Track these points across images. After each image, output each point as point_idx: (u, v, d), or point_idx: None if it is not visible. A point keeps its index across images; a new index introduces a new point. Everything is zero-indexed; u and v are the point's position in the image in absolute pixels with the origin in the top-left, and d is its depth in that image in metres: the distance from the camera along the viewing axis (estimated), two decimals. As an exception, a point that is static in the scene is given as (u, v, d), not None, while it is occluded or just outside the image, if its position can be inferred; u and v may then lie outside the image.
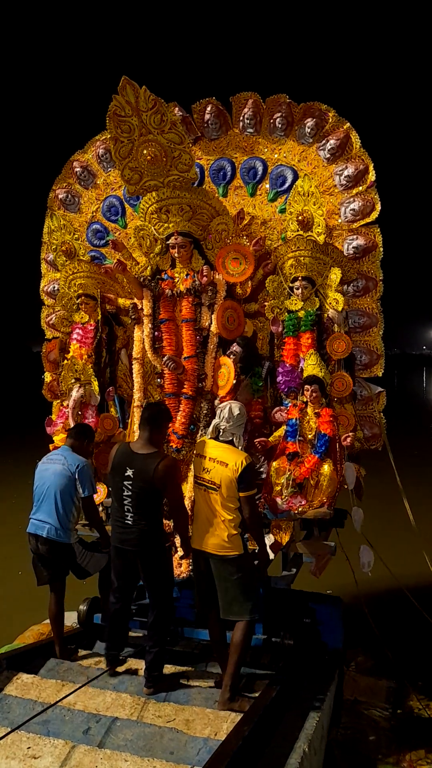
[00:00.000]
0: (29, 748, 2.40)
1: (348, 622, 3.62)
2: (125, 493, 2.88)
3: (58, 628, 3.42)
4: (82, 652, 3.46)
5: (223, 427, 2.91)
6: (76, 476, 3.27)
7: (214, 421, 2.97)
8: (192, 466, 3.02)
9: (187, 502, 3.39)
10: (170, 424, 3.38)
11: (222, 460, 2.82)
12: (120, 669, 3.13)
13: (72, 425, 3.79)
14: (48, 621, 4.34)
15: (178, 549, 3.20)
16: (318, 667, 3.29)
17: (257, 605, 2.90)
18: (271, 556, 3.30)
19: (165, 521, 3.14)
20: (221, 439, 2.91)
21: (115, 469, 2.95)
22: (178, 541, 3.16)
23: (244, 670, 3.15)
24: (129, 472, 2.87)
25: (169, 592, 3.07)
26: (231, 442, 2.91)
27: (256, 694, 2.85)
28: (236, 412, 2.91)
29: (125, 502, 2.88)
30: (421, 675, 3.97)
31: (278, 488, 3.23)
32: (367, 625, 3.85)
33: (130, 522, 2.89)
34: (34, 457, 3.64)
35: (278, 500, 3.22)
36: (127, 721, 2.60)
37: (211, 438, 2.96)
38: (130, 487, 2.86)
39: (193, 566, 2.94)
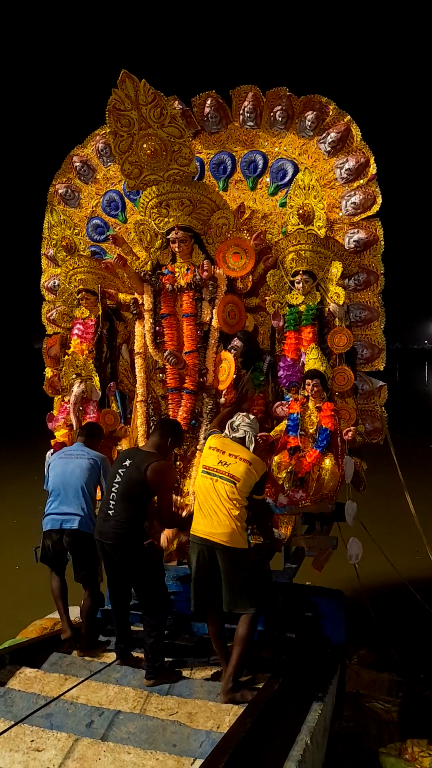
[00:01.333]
0: (33, 741, 2.41)
1: (350, 616, 3.63)
2: (116, 480, 2.99)
3: (64, 606, 3.48)
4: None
5: (237, 423, 3.02)
6: (101, 469, 3.40)
7: (230, 420, 3.08)
8: (201, 459, 3.03)
9: (190, 499, 3.40)
10: (178, 448, 3.43)
11: (244, 457, 2.91)
12: (122, 662, 3.15)
13: (73, 421, 3.81)
14: (50, 616, 4.40)
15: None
16: (320, 661, 3.30)
17: (261, 598, 2.93)
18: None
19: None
20: (235, 435, 3.01)
21: (117, 460, 3.13)
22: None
23: (247, 664, 3.18)
24: (127, 462, 3.03)
25: (157, 587, 3.05)
26: (243, 441, 3.00)
27: (259, 687, 2.86)
28: (252, 416, 3.11)
29: (113, 489, 2.98)
30: (423, 668, 3.99)
31: (280, 482, 3.24)
32: (369, 619, 3.86)
33: (111, 512, 2.95)
34: (34, 453, 3.65)
35: (280, 494, 3.23)
36: (130, 714, 2.61)
37: (224, 435, 3.03)
38: (122, 474, 2.99)
39: (194, 558, 2.93)
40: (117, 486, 2.98)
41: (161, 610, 3.07)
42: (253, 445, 3.02)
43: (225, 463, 2.89)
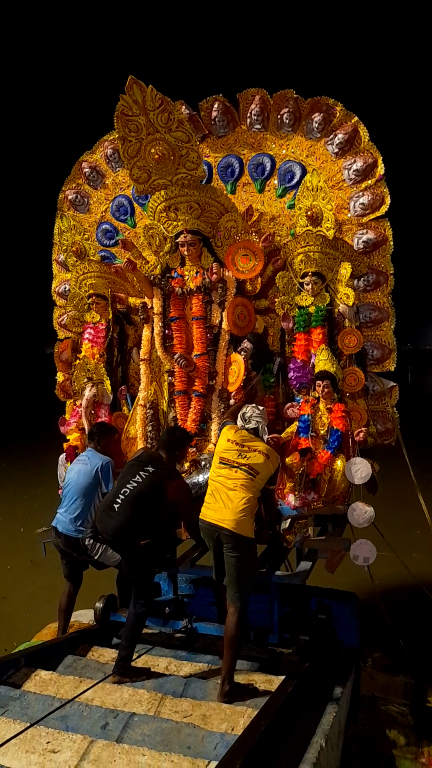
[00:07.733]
0: (48, 742, 2.43)
1: (364, 619, 3.61)
2: (135, 479, 2.99)
3: (65, 621, 3.59)
4: (99, 650, 3.49)
5: (249, 414, 3.08)
6: (100, 475, 3.46)
7: (241, 410, 3.12)
8: (218, 449, 3.04)
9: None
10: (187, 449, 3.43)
11: (262, 451, 2.97)
12: (137, 664, 3.15)
13: (85, 424, 3.85)
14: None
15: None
16: (334, 663, 3.29)
17: (249, 596, 2.93)
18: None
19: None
20: (248, 427, 3.06)
21: (137, 460, 3.13)
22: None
23: (260, 666, 3.17)
24: (150, 468, 3.03)
25: (148, 590, 3.10)
26: (256, 432, 3.05)
27: (273, 690, 2.85)
28: (260, 408, 3.15)
29: (128, 486, 2.98)
30: (438, 671, 3.95)
31: (291, 484, 3.24)
32: (383, 622, 3.83)
33: (117, 508, 2.95)
34: (47, 457, 3.70)
35: (291, 496, 3.23)
36: (144, 717, 2.62)
37: (240, 427, 3.07)
38: (143, 477, 2.99)
39: (206, 542, 2.99)
40: (134, 486, 2.97)
41: (150, 599, 3.11)
42: (266, 435, 3.10)
43: (245, 456, 2.94)
